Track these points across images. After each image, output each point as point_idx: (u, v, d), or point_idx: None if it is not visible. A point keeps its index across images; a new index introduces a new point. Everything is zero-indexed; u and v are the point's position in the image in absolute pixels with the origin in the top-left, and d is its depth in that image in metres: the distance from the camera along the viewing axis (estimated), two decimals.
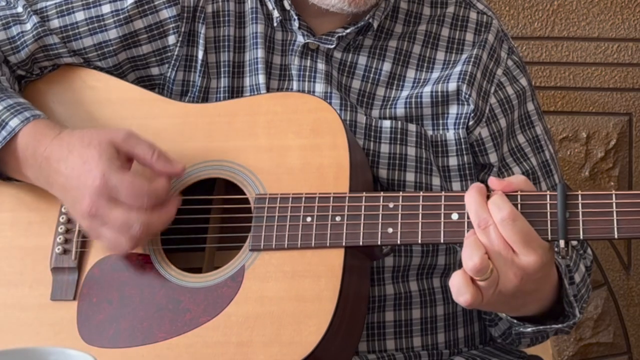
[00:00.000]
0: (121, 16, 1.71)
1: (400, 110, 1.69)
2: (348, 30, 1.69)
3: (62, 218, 1.63)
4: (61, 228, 1.62)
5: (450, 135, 1.69)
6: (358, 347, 1.64)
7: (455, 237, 1.48)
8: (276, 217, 1.54)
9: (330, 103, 1.62)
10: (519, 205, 1.45)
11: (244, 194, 1.58)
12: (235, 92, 1.71)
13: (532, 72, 2.76)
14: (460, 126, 1.68)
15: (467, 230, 1.46)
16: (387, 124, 1.67)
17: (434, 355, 1.69)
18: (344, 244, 1.51)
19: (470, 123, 1.69)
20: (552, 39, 2.79)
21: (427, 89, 1.69)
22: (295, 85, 1.70)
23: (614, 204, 1.43)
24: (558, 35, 2.78)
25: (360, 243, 1.51)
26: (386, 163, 1.67)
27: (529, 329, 1.57)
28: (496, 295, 1.44)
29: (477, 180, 1.70)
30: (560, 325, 1.56)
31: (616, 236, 1.42)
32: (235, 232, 1.58)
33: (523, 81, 1.76)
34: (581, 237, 1.43)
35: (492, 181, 1.47)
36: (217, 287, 1.54)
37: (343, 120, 1.59)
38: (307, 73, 1.70)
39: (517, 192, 1.46)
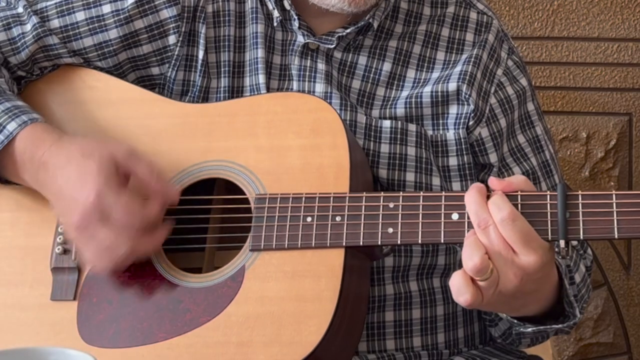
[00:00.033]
0: (121, 16, 1.71)
1: (400, 110, 1.69)
2: (348, 30, 1.69)
3: None
4: (61, 228, 1.62)
5: (450, 135, 1.69)
6: (358, 347, 1.64)
7: (455, 237, 1.48)
8: (276, 217, 1.54)
9: (330, 103, 1.62)
10: (519, 205, 1.45)
11: (244, 194, 1.58)
12: (235, 92, 1.71)
13: (532, 72, 2.76)
14: (460, 126, 1.68)
15: (468, 231, 1.46)
16: (387, 124, 1.67)
17: (434, 355, 1.69)
18: (344, 244, 1.51)
19: (470, 123, 1.69)
20: (552, 39, 2.79)
21: (427, 89, 1.69)
22: (295, 85, 1.70)
23: (614, 204, 1.43)
24: (558, 35, 2.78)
25: (361, 243, 1.51)
26: (386, 163, 1.67)
27: (530, 329, 1.57)
28: (496, 296, 1.44)
29: (477, 181, 1.70)
30: (560, 326, 1.56)
31: (616, 236, 1.43)
32: (235, 232, 1.58)
33: (523, 81, 1.76)
34: (581, 237, 1.43)
35: (492, 181, 1.47)
36: (218, 287, 1.54)
37: (343, 120, 1.59)
38: (307, 73, 1.70)
39: (517, 192, 1.46)
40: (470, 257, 1.41)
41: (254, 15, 1.72)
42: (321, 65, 1.70)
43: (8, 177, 1.64)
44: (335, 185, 1.55)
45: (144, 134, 1.65)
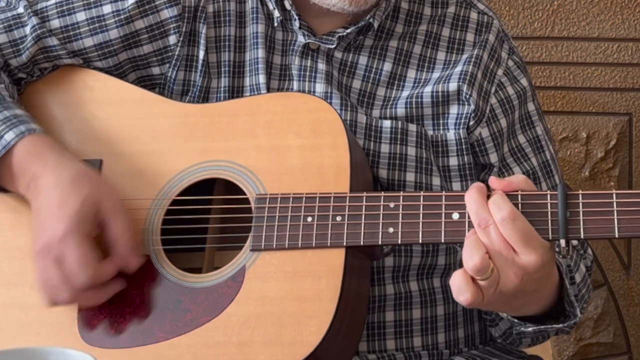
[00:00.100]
0: (122, 16, 1.70)
1: (400, 110, 1.69)
2: (349, 30, 1.69)
3: None
4: None
5: (451, 135, 1.69)
6: (358, 347, 1.64)
7: (456, 237, 1.48)
8: (277, 217, 1.54)
9: (330, 103, 1.62)
10: (519, 205, 1.44)
11: (244, 194, 1.58)
12: (235, 92, 1.71)
13: (532, 72, 2.76)
14: (461, 126, 1.68)
15: (468, 230, 1.46)
16: (387, 124, 1.67)
17: (434, 355, 1.69)
18: (344, 243, 1.51)
19: (471, 123, 1.69)
20: (552, 39, 2.79)
21: (428, 89, 1.69)
22: (295, 85, 1.70)
23: (615, 203, 1.43)
24: (558, 35, 2.78)
25: (361, 243, 1.51)
26: (386, 163, 1.67)
27: (530, 329, 1.57)
28: (497, 295, 1.44)
29: (477, 181, 1.70)
30: (561, 325, 1.56)
31: (617, 235, 1.42)
32: (235, 232, 1.58)
33: (524, 81, 1.76)
34: (582, 237, 1.43)
35: (493, 181, 1.47)
36: (218, 287, 1.54)
37: (343, 120, 1.59)
38: (308, 73, 1.70)
39: (517, 191, 1.46)
40: (470, 256, 1.41)
41: (255, 15, 1.72)
42: (321, 65, 1.70)
43: (5, 186, 1.64)
44: (336, 185, 1.55)
45: (144, 134, 1.65)
